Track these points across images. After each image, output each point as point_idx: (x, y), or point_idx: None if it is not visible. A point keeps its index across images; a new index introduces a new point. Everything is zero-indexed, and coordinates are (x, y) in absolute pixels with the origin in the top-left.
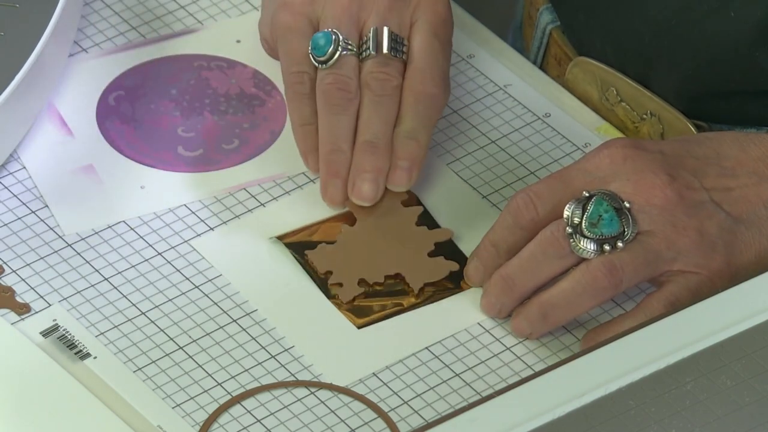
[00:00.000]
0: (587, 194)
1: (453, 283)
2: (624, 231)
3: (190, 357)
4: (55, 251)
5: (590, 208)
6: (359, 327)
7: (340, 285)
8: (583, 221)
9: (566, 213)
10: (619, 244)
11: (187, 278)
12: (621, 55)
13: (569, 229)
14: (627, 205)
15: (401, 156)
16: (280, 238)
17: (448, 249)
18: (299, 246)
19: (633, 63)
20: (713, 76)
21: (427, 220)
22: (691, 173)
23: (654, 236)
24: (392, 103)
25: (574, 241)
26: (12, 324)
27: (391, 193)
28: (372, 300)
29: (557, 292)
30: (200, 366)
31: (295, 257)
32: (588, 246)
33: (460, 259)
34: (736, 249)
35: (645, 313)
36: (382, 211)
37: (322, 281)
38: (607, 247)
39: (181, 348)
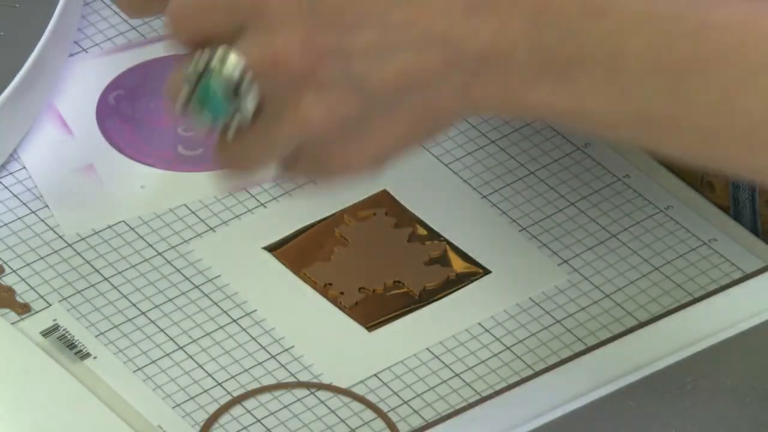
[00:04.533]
0: (204, 59)
1: (454, 285)
2: (239, 105)
3: (190, 357)
4: (55, 251)
5: (204, 81)
6: (369, 330)
7: (341, 293)
8: (193, 95)
9: (183, 71)
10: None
11: (187, 278)
12: None
13: (185, 92)
14: (248, 80)
15: None
16: (270, 249)
17: (444, 261)
18: (293, 263)
19: None
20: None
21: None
22: (338, 30)
23: (272, 108)
24: None
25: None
26: (12, 324)
27: (381, 216)
28: (375, 303)
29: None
30: (200, 366)
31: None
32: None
33: (458, 265)
34: (372, 133)
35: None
36: (373, 233)
37: (322, 292)
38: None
39: (181, 348)
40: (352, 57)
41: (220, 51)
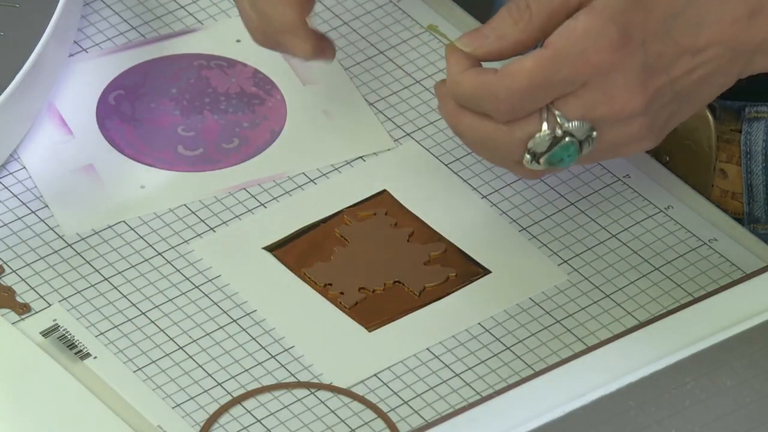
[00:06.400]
0: (560, 133)
1: (454, 286)
2: (581, 157)
3: (190, 357)
4: (55, 251)
5: (556, 149)
6: (369, 330)
7: (341, 293)
8: (544, 157)
9: (530, 144)
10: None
11: (187, 278)
12: None
13: (528, 156)
14: (594, 134)
15: None
16: (270, 249)
17: (444, 260)
18: (293, 263)
19: None
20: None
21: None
22: (665, 69)
23: (602, 137)
24: None
25: (529, 164)
26: (12, 324)
27: (381, 216)
28: (375, 303)
29: (482, 146)
30: (200, 366)
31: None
32: (536, 167)
33: (458, 265)
34: (669, 124)
35: None
36: (373, 233)
37: (321, 292)
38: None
39: (181, 348)
40: (674, 82)
41: (568, 126)
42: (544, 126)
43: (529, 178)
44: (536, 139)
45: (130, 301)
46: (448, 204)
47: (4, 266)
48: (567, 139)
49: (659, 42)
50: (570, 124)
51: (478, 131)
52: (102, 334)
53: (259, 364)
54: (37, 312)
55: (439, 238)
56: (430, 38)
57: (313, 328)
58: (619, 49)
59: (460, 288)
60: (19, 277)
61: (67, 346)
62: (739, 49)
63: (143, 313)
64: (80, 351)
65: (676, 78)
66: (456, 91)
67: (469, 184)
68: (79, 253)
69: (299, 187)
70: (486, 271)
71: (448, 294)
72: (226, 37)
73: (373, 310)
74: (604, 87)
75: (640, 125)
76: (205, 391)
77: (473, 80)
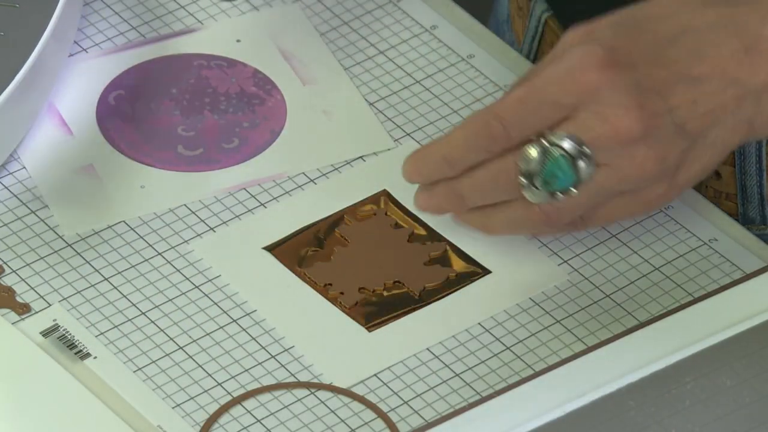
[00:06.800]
0: (547, 145)
1: (454, 286)
2: (578, 178)
3: (190, 357)
4: (55, 251)
5: (547, 165)
6: (369, 330)
7: (341, 293)
8: (538, 177)
9: (521, 165)
10: (572, 190)
11: (187, 278)
12: None
13: (524, 180)
14: (588, 151)
15: None
16: (270, 249)
17: (444, 260)
18: (293, 263)
19: None
20: None
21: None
22: (659, 93)
23: (608, 171)
24: None
25: (527, 192)
26: (12, 324)
27: (381, 216)
28: (375, 303)
29: (501, 212)
30: (200, 366)
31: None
32: (539, 197)
33: (458, 265)
34: (684, 168)
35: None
36: (373, 233)
37: (321, 292)
38: (560, 196)
39: (181, 348)
40: (674, 111)
41: (556, 140)
42: (535, 145)
43: (551, 231)
44: (526, 157)
45: (130, 301)
46: None
47: (4, 266)
48: (557, 153)
49: (651, 65)
50: (558, 138)
51: (476, 176)
52: (102, 334)
53: (259, 364)
54: (37, 312)
55: (439, 238)
56: (430, 38)
57: (313, 328)
58: (606, 68)
59: (460, 288)
60: (19, 277)
61: (67, 346)
62: (742, 86)
63: (143, 313)
64: (80, 351)
65: (676, 106)
66: (452, 138)
67: None
68: (79, 253)
69: (299, 187)
70: (486, 271)
71: (448, 294)
72: (226, 37)
73: (372, 310)
74: (595, 106)
75: (645, 157)
76: (205, 391)
77: (464, 128)
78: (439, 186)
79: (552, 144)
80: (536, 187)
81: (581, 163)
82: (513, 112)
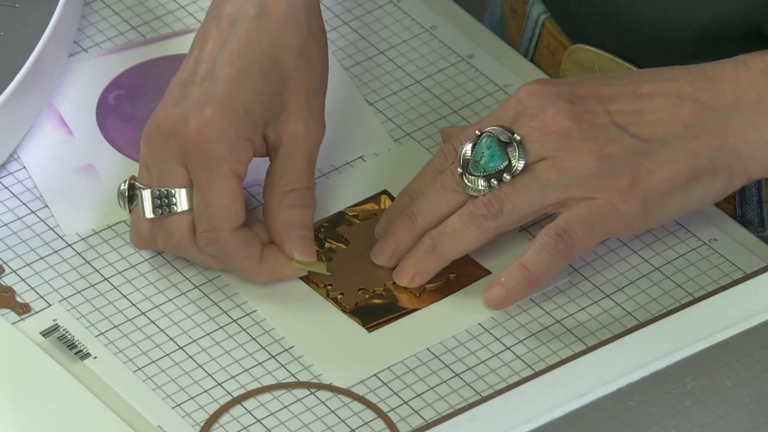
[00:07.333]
0: (478, 133)
1: (454, 285)
2: (510, 164)
3: (190, 357)
4: (55, 251)
5: (477, 148)
6: (369, 330)
7: (342, 294)
8: (471, 162)
9: (459, 153)
10: (506, 176)
11: (187, 278)
12: (620, 41)
13: (459, 169)
14: (517, 137)
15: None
16: None
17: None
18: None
19: (632, 48)
20: (716, 56)
21: None
22: (597, 100)
23: (544, 164)
24: None
25: (465, 180)
26: (12, 324)
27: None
28: (375, 303)
29: (445, 223)
30: (200, 366)
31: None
32: (477, 183)
33: (458, 266)
34: (643, 169)
35: (537, 247)
36: (373, 233)
37: (321, 293)
38: (494, 182)
39: (181, 348)
40: (614, 114)
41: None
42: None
43: (498, 226)
44: (463, 150)
45: (130, 301)
46: None
47: (4, 266)
48: (484, 138)
49: (595, 86)
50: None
51: (424, 191)
52: (102, 334)
53: (259, 364)
54: (37, 312)
55: None
56: (430, 38)
57: (313, 328)
58: (547, 87)
59: (460, 288)
60: (19, 277)
61: (67, 346)
62: (685, 98)
63: (143, 313)
64: (80, 351)
65: (616, 111)
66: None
67: None
68: (79, 253)
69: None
70: (486, 272)
71: (448, 294)
72: None
73: (372, 310)
74: (531, 110)
75: (581, 149)
76: (205, 391)
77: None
78: (397, 218)
79: (482, 132)
80: (472, 174)
81: (510, 148)
82: (461, 131)
